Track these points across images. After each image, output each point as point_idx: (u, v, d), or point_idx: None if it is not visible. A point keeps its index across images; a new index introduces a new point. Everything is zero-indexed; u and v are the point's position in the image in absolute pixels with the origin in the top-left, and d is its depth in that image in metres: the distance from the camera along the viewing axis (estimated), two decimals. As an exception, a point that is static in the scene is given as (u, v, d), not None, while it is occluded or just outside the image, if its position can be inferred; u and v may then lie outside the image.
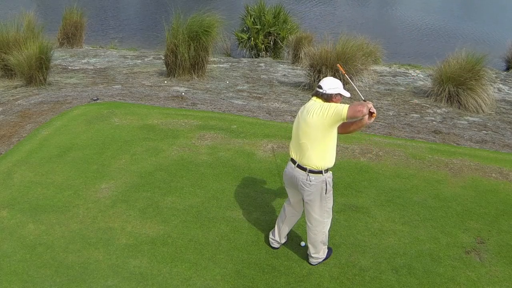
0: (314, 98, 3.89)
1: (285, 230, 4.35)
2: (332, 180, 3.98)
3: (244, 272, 4.14)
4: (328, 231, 4.16)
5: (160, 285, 3.98)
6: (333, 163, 3.92)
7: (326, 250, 4.26)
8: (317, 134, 3.75)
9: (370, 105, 3.66)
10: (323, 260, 4.26)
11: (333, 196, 4.08)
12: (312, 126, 3.74)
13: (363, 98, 3.84)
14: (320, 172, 3.85)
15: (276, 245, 4.41)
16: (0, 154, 6.01)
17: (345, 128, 3.93)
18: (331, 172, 3.95)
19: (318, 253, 4.19)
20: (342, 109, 3.61)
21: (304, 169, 3.86)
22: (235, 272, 4.13)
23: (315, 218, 4.01)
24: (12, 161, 5.79)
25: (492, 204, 5.27)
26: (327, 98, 3.81)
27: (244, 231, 4.66)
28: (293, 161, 3.96)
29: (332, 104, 3.72)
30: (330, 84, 3.83)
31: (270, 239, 4.43)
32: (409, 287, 4.04)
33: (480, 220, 4.96)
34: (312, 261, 4.23)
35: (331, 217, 4.12)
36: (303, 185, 3.89)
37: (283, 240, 4.42)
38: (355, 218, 4.91)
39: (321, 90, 3.82)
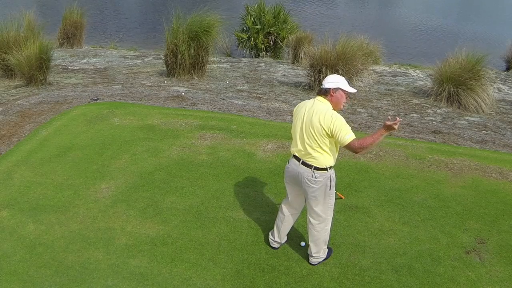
0: (318, 97, 3.90)
1: (285, 230, 4.35)
2: (336, 176, 4.02)
3: (244, 272, 4.14)
4: (330, 229, 4.17)
5: (160, 285, 3.98)
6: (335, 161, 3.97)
7: (327, 250, 4.26)
8: (323, 140, 3.80)
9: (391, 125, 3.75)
10: (323, 260, 4.26)
11: (334, 195, 4.10)
12: (320, 133, 3.77)
13: None
14: (325, 169, 3.87)
15: (276, 245, 4.41)
16: (0, 154, 6.01)
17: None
18: (333, 169, 3.98)
19: (319, 252, 4.19)
20: (345, 139, 3.68)
21: (309, 166, 3.87)
22: (235, 272, 4.13)
23: (319, 214, 4.02)
24: (12, 161, 5.79)
25: (492, 204, 5.27)
26: (325, 92, 3.84)
27: (244, 231, 4.66)
28: (297, 158, 3.96)
29: (344, 127, 3.70)
30: (330, 79, 3.88)
31: (270, 239, 4.43)
32: (409, 287, 4.05)
33: (480, 220, 4.96)
34: (313, 260, 4.23)
35: (332, 215, 4.13)
36: (308, 182, 3.89)
37: (283, 240, 4.42)
38: (355, 218, 4.91)
39: (321, 86, 3.88)
